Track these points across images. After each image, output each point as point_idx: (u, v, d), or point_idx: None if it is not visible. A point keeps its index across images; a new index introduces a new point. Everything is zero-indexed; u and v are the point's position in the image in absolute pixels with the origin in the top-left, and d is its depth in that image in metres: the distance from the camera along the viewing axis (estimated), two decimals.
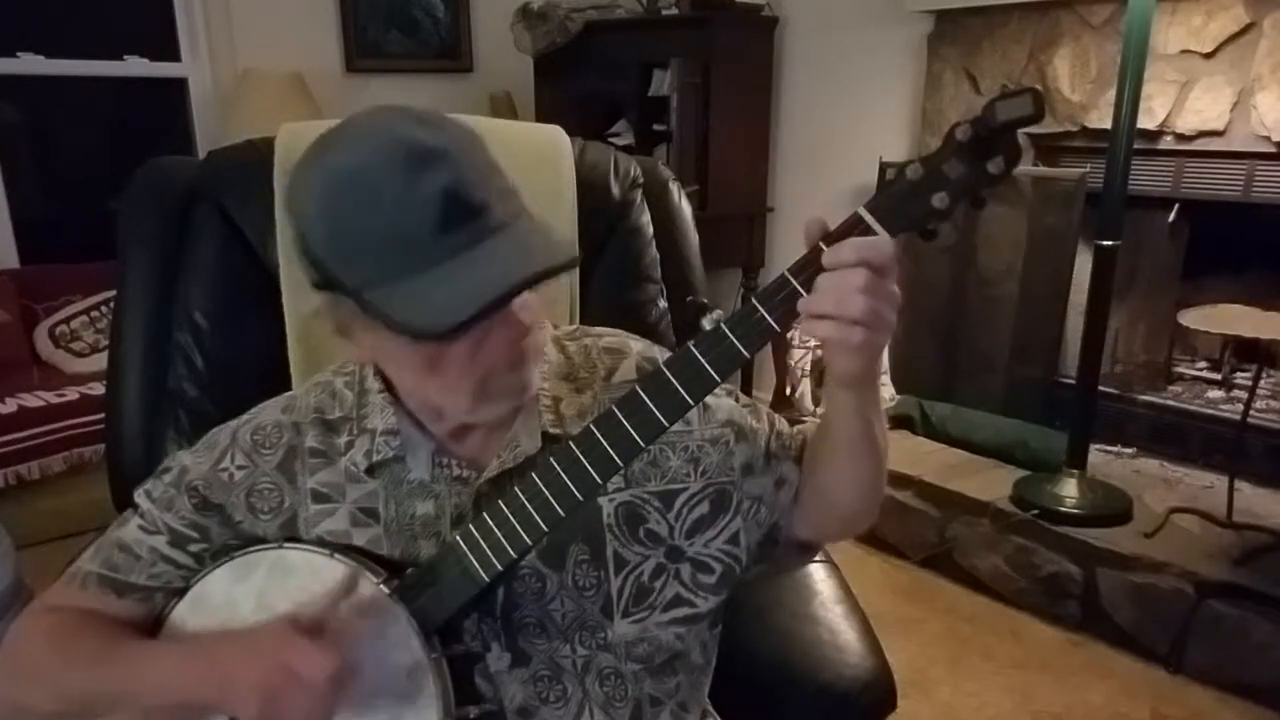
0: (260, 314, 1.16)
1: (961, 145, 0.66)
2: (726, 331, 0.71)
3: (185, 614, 0.86)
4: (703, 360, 0.72)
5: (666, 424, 0.74)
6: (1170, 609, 2.11)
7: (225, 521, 0.86)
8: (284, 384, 1.09)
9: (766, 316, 0.70)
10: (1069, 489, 2.37)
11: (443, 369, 0.77)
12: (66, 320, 3.03)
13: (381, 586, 0.81)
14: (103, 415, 1.19)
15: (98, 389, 2.68)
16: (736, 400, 0.94)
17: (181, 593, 0.87)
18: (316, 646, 0.75)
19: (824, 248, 0.68)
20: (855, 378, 0.75)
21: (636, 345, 0.94)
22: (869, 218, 0.68)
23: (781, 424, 0.95)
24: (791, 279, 0.69)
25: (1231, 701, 2.03)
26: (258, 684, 0.75)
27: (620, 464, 0.76)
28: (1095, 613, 2.26)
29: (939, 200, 0.67)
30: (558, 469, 0.77)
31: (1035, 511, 2.36)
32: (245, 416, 0.91)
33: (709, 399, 0.90)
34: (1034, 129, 1.93)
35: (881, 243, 0.67)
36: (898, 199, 0.68)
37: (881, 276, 0.67)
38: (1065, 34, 2.65)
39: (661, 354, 0.94)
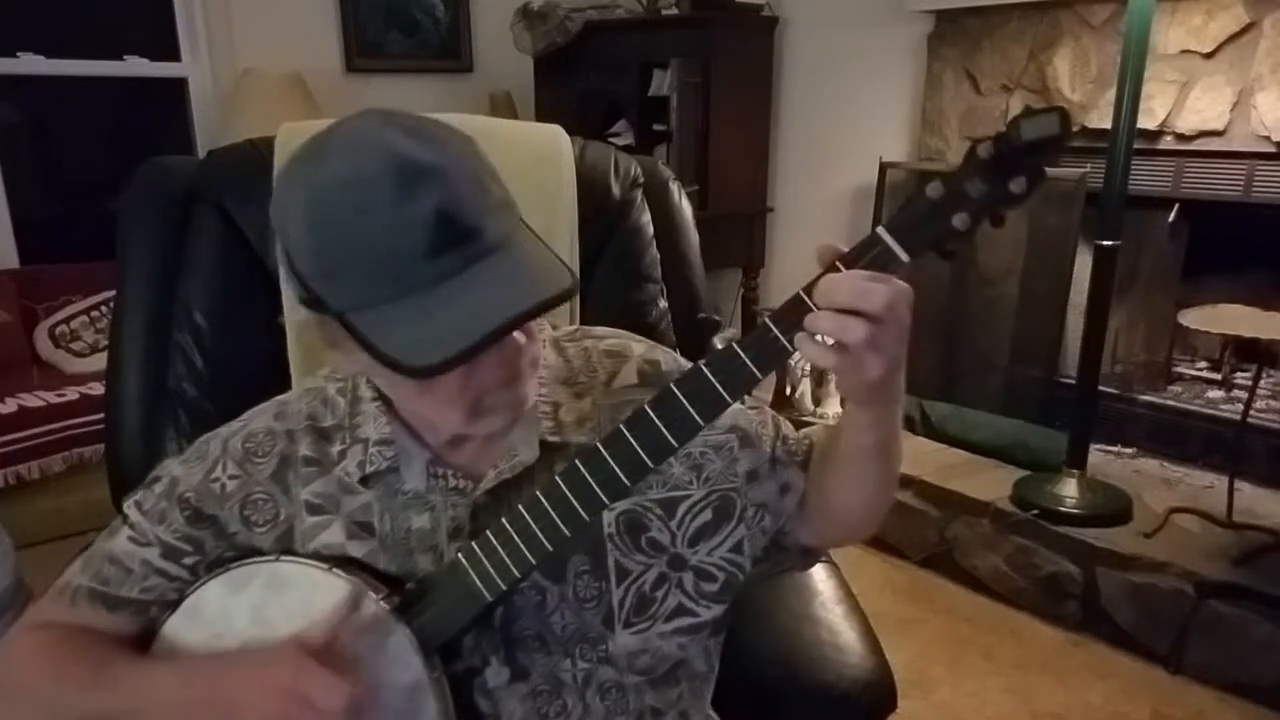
0: (260, 314, 1.16)
1: (984, 163, 0.64)
2: (739, 351, 0.69)
3: (179, 626, 0.84)
4: (714, 381, 0.70)
5: (676, 445, 0.73)
6: (1170, 609, 2.11)
7: (219, 534, 0.84)
8: (284, 384, 1.09)
9: (780, 337, 0.68)
10: (1069, 489, 2.37)
11: (434, 389, 0.74)
12: (66, 320, 3.03)
13: (382, 604, 0.79)
14: (103, 415, 1.19)
15: (98, 389, 2.67)
16: (742, 403, 0.90)
17: (175, 604, 0.85)
18: (332, 673, 0.73)
19: (840, 268, 0.66)
20: (866, 398, 0.73)
21: (638, 348, 0.91)
22: (888, 238, 0.66)
23: (787, 428, 0.93)
24: (806, 298, 0.67)
25: (1231, 701, 2.03)
26: (270, 713, 0.73)
27: (628, 484, 0.74)
28: (1095, 613, 2.25)
29: (960, 221, 0.65)
30: (564, 488, 0.75)
31: (1035, 511, 2.36)
32: (236, 424, 0.89)
33: None
34: None
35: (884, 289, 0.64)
36: (918, 219, 0.66)
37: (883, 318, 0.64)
38: (1065, 34, 2.65)
39: (664, 355, 0.92)
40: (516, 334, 0.74)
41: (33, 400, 2.67)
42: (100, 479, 1.20)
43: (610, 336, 0.93)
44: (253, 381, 1.02)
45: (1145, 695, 2.06)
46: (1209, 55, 2.39)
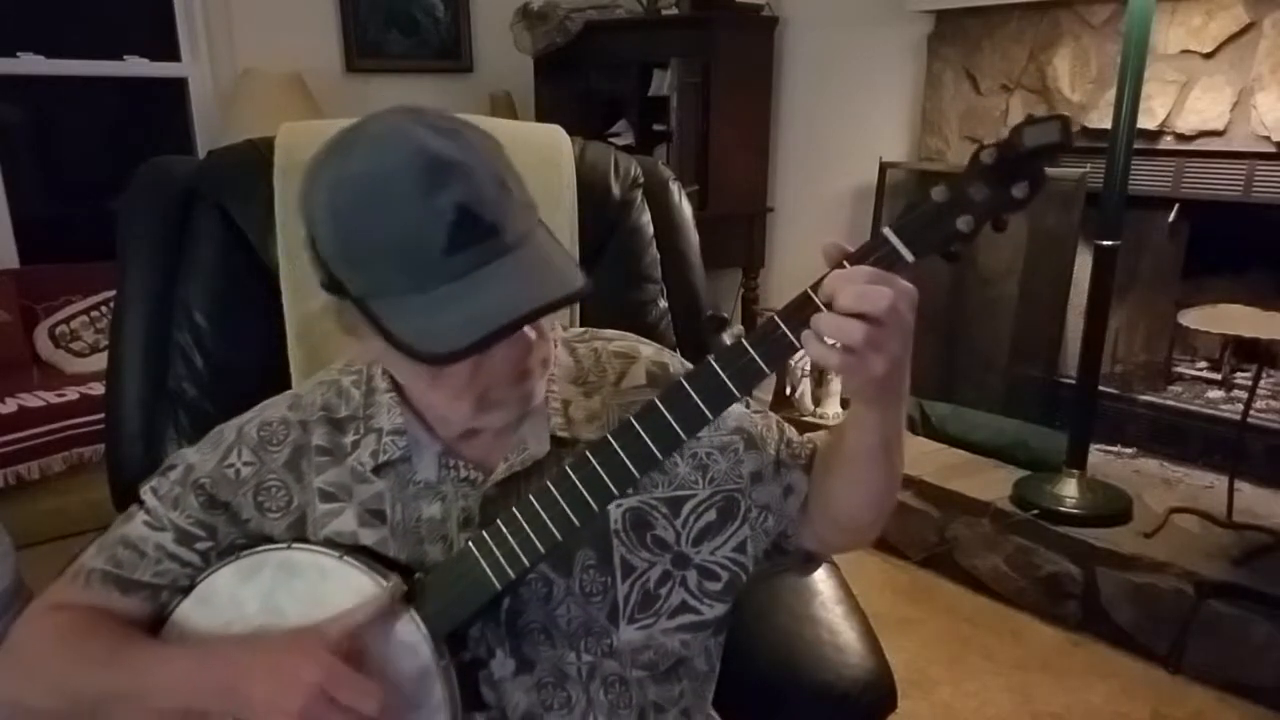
0: (260, 314, 1.16)
1: (987, 168, 0.66)
2: (747, 347, 0.71)
3: (189, 612, 0.85)
4: (723, 375, 0.72)
5: (685, 438, 0.75)
6: (1170, 609, 2.11)
7: (233, 520, 0.86)
8: (284, 384, 1.09)
9: (788, 333, 0.70)
10: (1069, 489, 2.37)
11: (444, 381, 0.77)
12: (66, 320, 3.03)
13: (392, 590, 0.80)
14: (103, 415, 1.19)
15: (98, 389, 2.67)
16: (746, 406, 0.93)
17: (186, 590, 0.86)
18: (361, 676, 0.74)
19: (847, 267, 0.68)
20: (871, 396, 0.74)
21: (646, 350, 0.94)
22: (895, 239, 0.68)
23: (791, 432, 0.95)
24: (813, 295, 0.69)
25: (1231, 701, 2.03)
26: (289, 709, 0.73)
27: (636, 475, 0.76)
28: (1095, 613, 2.26)
29: (964, 223, 0.67)
30: (574, 478, 0.77)
31: (1035, 511, 2.36)
32: (250, 413, 0.90)
33: None
34: None
35: (883, 290, 0.66)
36: (924, 221, 0.68)
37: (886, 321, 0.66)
38: (1065, 34, 2.65)
39: (672, 358, 0.94)
40: (528, 330, 0.76)
41: (33, 400, 2.67)
42: (100, 479, 1.20)
43: (619, 339, 0.95)
44: (253, 381, 1.03)
45: (1145, 695, 2.07)
46: (1209, 55, 2.39)
